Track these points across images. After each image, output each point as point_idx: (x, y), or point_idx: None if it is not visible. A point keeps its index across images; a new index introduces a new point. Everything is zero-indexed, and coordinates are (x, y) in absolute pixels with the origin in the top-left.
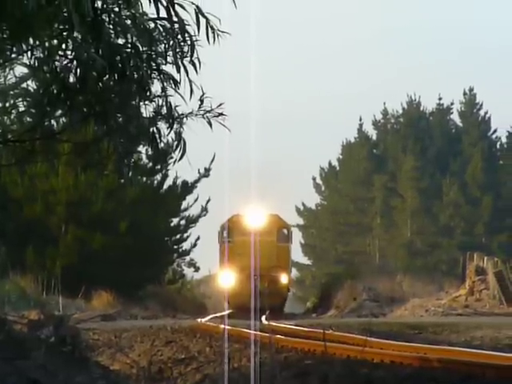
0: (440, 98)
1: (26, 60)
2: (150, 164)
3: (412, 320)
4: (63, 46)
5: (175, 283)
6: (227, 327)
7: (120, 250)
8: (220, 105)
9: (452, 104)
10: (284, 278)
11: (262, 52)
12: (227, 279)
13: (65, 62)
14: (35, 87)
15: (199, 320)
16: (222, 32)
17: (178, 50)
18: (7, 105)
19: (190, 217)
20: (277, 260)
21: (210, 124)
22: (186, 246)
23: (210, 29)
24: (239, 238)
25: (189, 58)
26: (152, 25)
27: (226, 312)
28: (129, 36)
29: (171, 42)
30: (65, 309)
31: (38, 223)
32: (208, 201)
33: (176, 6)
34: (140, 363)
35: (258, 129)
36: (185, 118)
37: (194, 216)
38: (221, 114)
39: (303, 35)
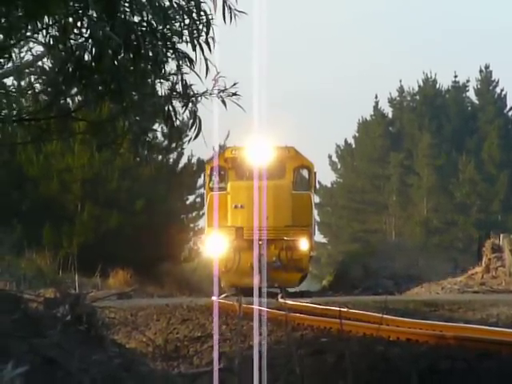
0: (456, 76)
1: (41, 38)
2: (166, 142)
3: (428, 297)
4: (78, 24)
5: (191, 261)
6: (243, 305)
7: (136, 228)
8: (234, 84)
9: (468, 81)
10: (304, 244)
11: (274, 30)
12: (217, 245)
13: (80, 40)
14: (50, 65)
15: (214, 298)
16: (239, 12)
17: (193, 28)
18: (23, 83)
19: None
20: (293, 216)
21: (225, 103)
22: (201, 224)
23: (227, 8)
24: (236, 182)
25: (204, 37)
26: (167, 3)
27: (218, 294)
28: (144, 14)
29: (187, 21)
30: (81, 287)
31: (54, 201)
32: None
33: None
34: (156, 341)
35: (271, 106)
36: (199, 97)
37: None
38: (235, 94)
39: (316, 13)
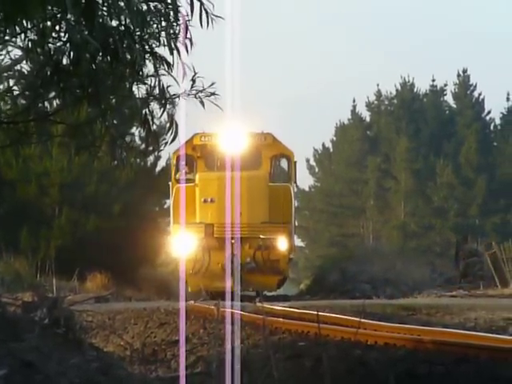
0: (433, 80)
1: (19, 42)
2: (143, 146)
3: (406, 301)
4: (57, 28)
5: (167, 265)
6: (221, 309)
7: (114, 231)
8: (212, 84)
9: (446, 85)
10: (282, 243)
11: (253, 33)
12: (184, 244)
13: (58, 44)
14: (29, 69)
15: (192, 302)
16: (216, 16)
17: (170, 31)
18: (1, 87)
19: None
20: (270, 211)
21: (203, 103)
22: None
23: (203, 12)
24: (205, 173)
25: (181, 39)
26: (145, 7)
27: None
28: (122, 18)
29: (164, 24)
30: (59, 291)
31: (32, 205)
32: None
33: None
34: (134, 345)
35: (249, 110)
36: (177, 99)
37: None
38: (213, 94)
39: (296, 16)
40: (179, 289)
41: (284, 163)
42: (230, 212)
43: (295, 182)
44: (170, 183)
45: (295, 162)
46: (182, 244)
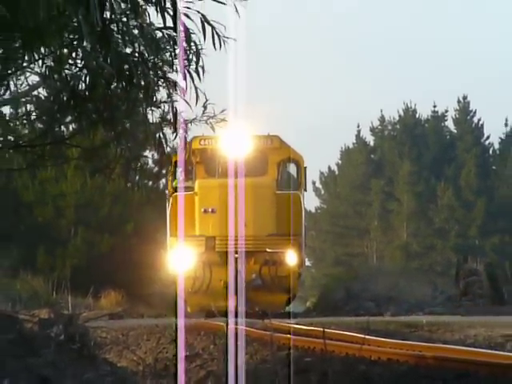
0: (435, 106)
1: (37, 68)
2: (156, 168)
3: (408, 319)
4: (73, 54)
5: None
6: (230, 326)
7: (127, 251)
8: (223, 111)
9: (446, 111)
10: (291, 257)
11: (260, 57)
12: (183, 260)
13: (74, 70)
14: (46, 95)
15: (203, 318)
16: (228, 38)
17: (183, 58)
18: (19, 111)
19: None
20: (277, 222)
21: (214, 129)
22: None
23: (215, 35)
24: (205, 180)
25: (194, 66)
26: (159, 34)
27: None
28: (136, 45)
29: (177, 51)
30: (74, 308)
31: (48, 226)
32: None
33: (182, 15)
34: (146, 360)
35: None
36: (189, 124)
37: None
38: (223, 120)
39: (302, 42)
40: (179, 307)
41: (293, 169)
42: (234, 223)
43: (305, 190)
44: (167, 192)
45: (305, 168)
46: (179, 259)
